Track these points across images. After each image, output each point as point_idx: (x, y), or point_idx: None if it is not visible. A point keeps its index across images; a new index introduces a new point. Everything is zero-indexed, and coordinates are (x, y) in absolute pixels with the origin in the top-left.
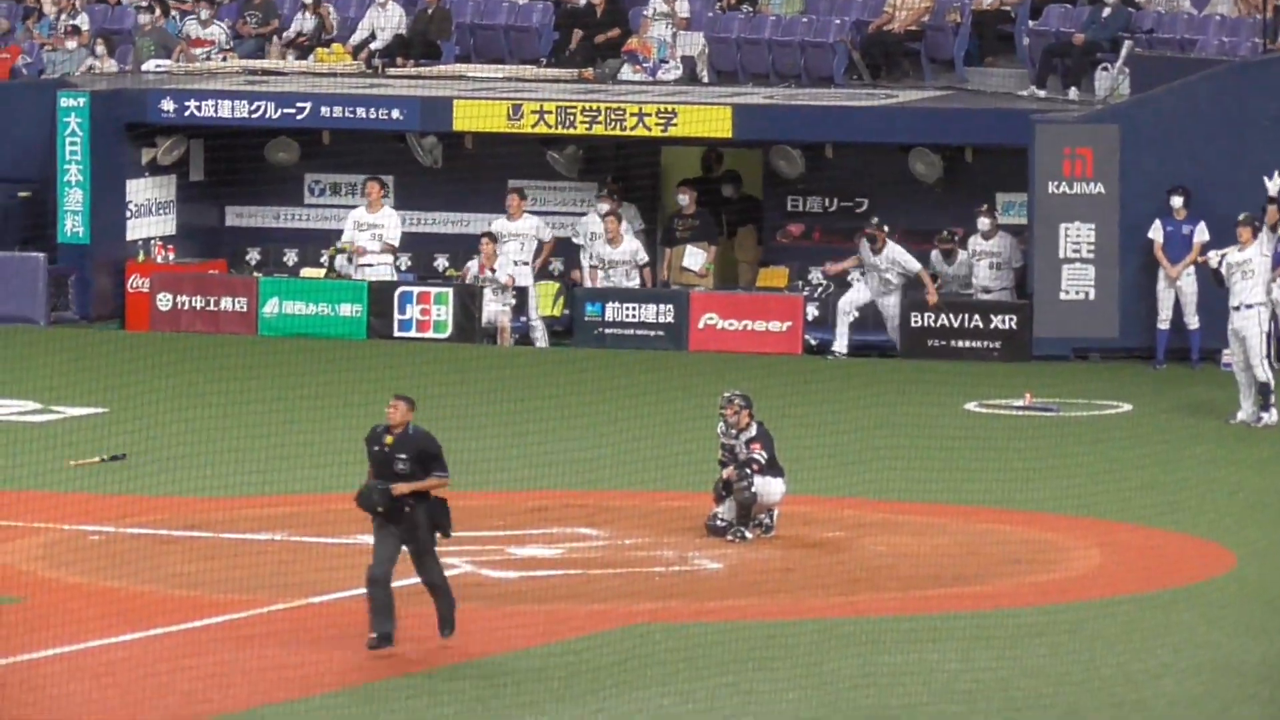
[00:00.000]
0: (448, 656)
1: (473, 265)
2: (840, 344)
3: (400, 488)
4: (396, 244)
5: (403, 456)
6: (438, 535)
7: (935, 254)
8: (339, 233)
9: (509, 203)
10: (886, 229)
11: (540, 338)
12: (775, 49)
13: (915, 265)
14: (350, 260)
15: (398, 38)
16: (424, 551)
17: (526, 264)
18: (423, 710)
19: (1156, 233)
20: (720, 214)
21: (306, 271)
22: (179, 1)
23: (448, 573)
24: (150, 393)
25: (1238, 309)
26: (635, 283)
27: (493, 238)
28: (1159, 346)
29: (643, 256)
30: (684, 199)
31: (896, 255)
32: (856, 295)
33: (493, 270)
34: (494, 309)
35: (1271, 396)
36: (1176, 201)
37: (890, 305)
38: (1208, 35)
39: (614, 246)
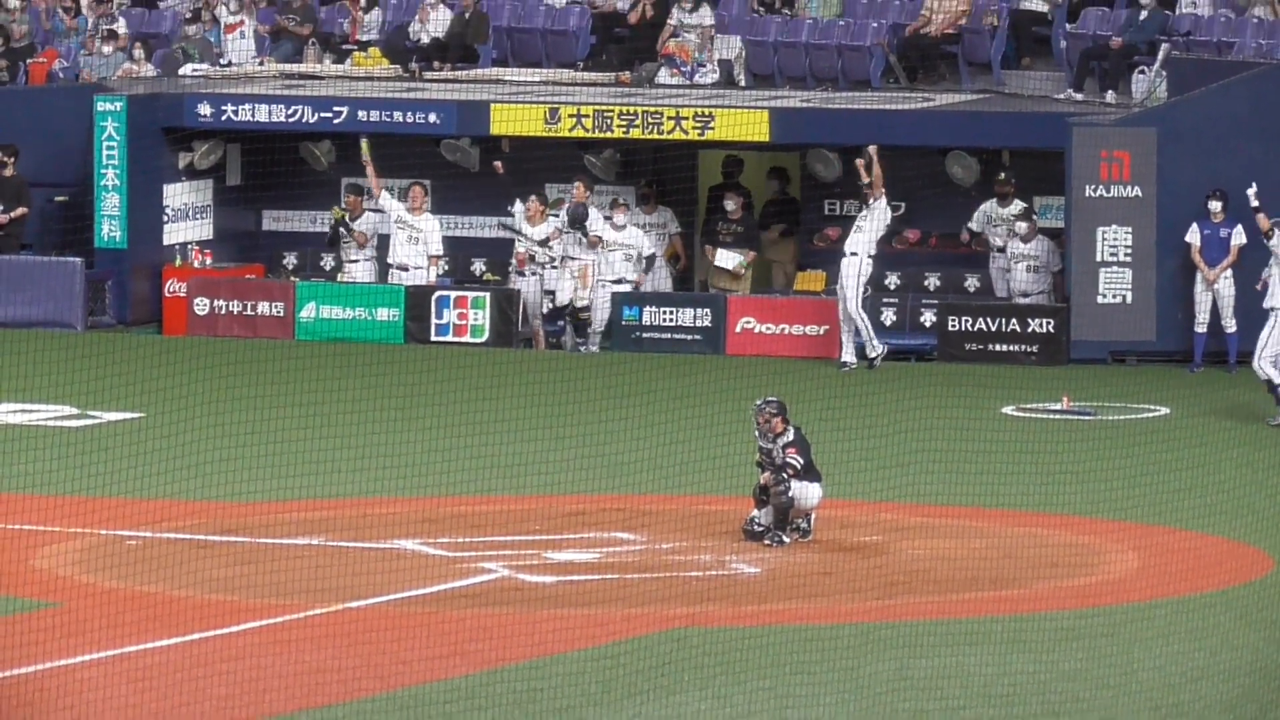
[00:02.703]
0: (486, 661)
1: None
2: (848, 354)
3: None
4: (441, 253)
5: None
6: None
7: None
8: (380, 237)
9: (529, 207)
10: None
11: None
12: (812, 52)
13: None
14: (349, 222)
15: (435, 41)
16: None
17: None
18: (460, 715)
19: (1194, 236)
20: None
21: (344, 275)
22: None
23: (484, 577)
24: (187, 397)
25: None
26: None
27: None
28: (1196, 349)
29: (558, 238)
30: (730, 204)
31: (884, 208)
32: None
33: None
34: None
35: None
36: (1215, 206)
37: (849, 272)
38: (1245, 38)
39: (532, 225)
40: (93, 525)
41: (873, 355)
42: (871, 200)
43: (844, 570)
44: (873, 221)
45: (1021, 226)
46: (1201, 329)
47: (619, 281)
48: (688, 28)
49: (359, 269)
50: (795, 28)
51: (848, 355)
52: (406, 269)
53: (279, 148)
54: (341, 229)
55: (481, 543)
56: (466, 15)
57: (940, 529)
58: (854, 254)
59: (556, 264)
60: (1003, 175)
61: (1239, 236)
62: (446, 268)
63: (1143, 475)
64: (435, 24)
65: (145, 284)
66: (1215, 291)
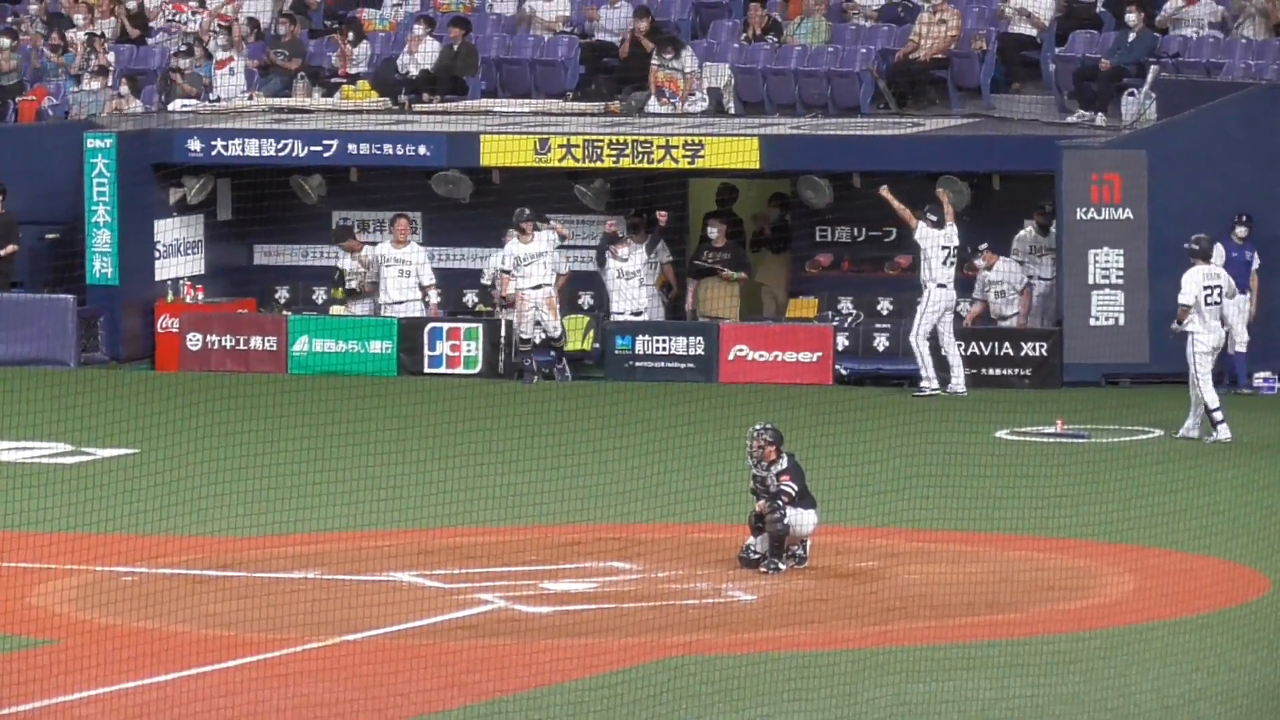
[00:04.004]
0: (483, 692)
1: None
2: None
3: None
4: (434, 281)
5: None
6: None
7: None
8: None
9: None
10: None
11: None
12: (801, 79)
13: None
14: (355, 290)
15: (424, 73)
16: None
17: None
18: None
19: (1218, 256)
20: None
21: (336, 309)
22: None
23: (481, 609)
24: (181, 433)
25: None
26: (550, 279)
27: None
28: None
29: (556, 244)
30: (713, 231)
31: (926, 234)
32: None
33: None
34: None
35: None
36: (1242, 231)
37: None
38: (1234, 59)
39: (523, 243)
40: (88, 562)
41: (922, 388)
42: (914, 234)
43: (840, 596)
44: (925, 251)
45: (979, 261)
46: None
47: (639, 313)
48: (670, 68)
49: (360, 307)
50: (784, 55)
51: (925, 382)
52: (402, 302)
53: (269, 182)
54: (346, 288)
55: (477, 574)
56: (455, 47)
57: (936, 554)
58: (923, 285)
59: (505, 298)
60: (1045, 205)
61: (1255, 260)
62: (439, 298)
63: (1138, 497)
64: (424, 56)
65: (137, 320)
66: (1237, 312)
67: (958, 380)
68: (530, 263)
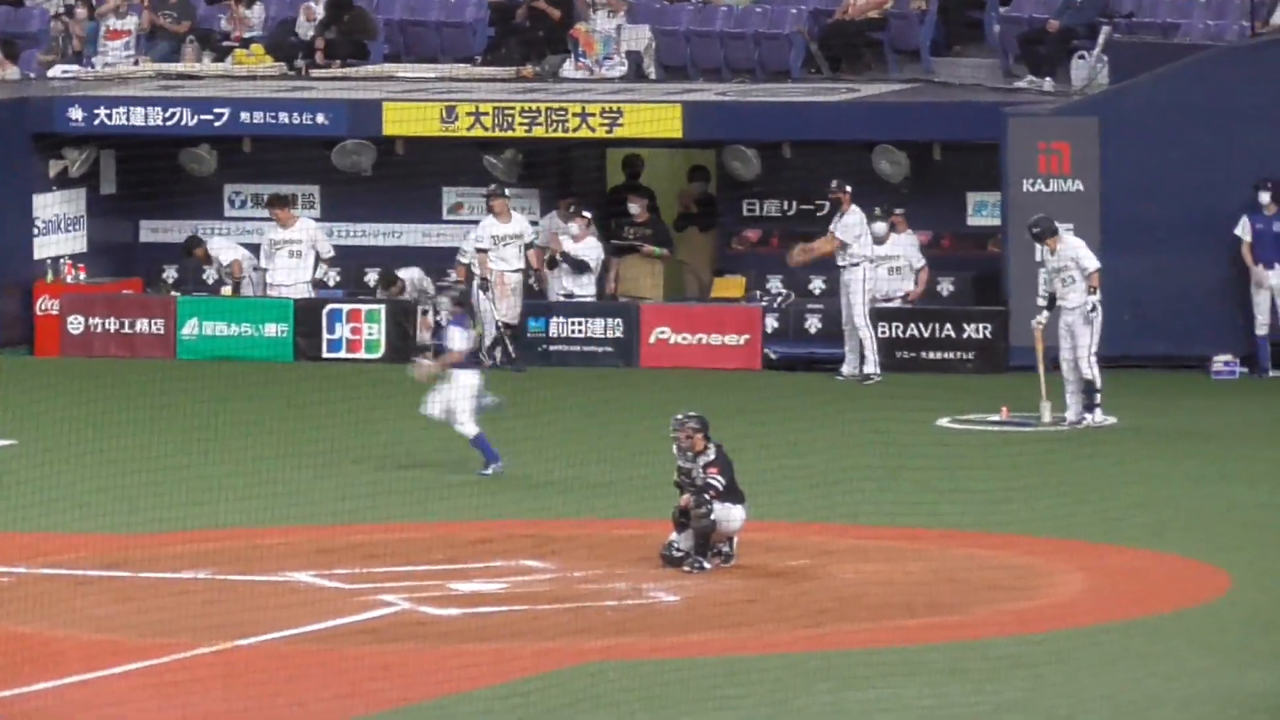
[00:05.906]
0: (387, 700)
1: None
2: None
3: None
4: (332, 254)
5: None
6: None
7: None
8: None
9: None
10: (850, 190)
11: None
12: (727, 42)
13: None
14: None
15: (319, 25)
16: None
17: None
18: None
19: (1244, 230)
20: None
21: (227, 290)
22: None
23: (384, 611)
24: (62, 422)
25: None
26: (523, 263)
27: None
28: (1261, 355)
29: (529, 235)
30: (635, 207)
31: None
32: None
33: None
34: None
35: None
36: (1265, 197)
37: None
38: (1192, 19)
39: (502, 222)
40: None
41: (870, 374)
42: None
43: (770, 597)
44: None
45: (880, 228)
46: (1263, 330)
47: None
48: (601, 4)
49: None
50: (709, 16)
51: (847, 368)
52: (289, 284)
53: (157, 153)
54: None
55: (380, 574)
56: (346, 18)
57: (872, 551)
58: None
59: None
60: (890, 208)
61: None
62: (337, 277)
63: (1089, 490)
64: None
65: (14, 302)
66: (1274, 289)
67: (850, 366)
68: (508, 244)
